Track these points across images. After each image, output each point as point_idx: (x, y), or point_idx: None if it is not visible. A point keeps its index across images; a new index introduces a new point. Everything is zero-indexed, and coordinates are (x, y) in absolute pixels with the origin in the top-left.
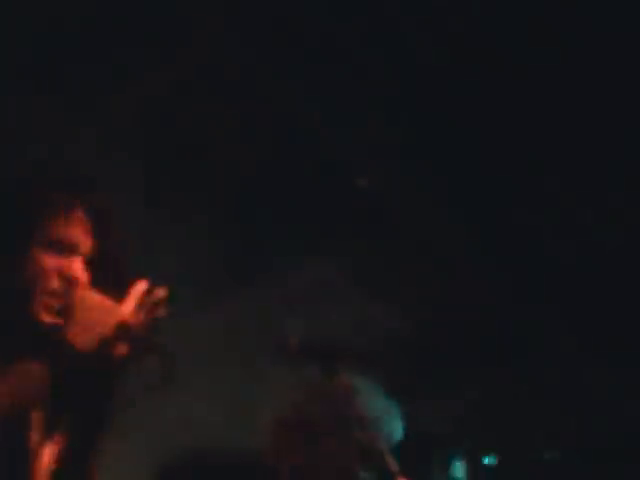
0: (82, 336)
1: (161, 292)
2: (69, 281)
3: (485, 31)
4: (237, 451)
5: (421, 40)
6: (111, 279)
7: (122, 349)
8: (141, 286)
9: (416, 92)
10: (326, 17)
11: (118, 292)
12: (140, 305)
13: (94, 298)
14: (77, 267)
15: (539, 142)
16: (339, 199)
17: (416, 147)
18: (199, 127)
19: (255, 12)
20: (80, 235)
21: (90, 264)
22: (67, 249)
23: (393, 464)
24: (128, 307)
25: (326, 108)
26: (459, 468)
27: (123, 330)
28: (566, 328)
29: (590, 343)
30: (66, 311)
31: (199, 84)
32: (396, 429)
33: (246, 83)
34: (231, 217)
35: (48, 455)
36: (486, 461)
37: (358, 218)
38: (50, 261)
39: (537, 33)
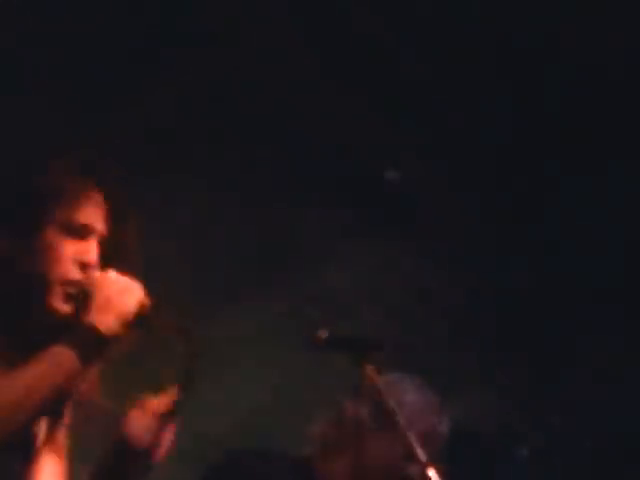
0: (105, 318)
1: None
2: (86, 267)
3: None
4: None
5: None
6: (123, 263)
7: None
8: None
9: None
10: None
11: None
12: None
13: (112, 279)
14: (93, 252)
15: None
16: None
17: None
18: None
19: None
20: (96, 219)
21: (104, 247)
22: (83, 233)
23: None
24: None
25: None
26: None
27: (145, 309)
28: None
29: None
30: (85, 297)
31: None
32: (438, 420)
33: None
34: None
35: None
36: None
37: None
38: (68, 247)
39: None
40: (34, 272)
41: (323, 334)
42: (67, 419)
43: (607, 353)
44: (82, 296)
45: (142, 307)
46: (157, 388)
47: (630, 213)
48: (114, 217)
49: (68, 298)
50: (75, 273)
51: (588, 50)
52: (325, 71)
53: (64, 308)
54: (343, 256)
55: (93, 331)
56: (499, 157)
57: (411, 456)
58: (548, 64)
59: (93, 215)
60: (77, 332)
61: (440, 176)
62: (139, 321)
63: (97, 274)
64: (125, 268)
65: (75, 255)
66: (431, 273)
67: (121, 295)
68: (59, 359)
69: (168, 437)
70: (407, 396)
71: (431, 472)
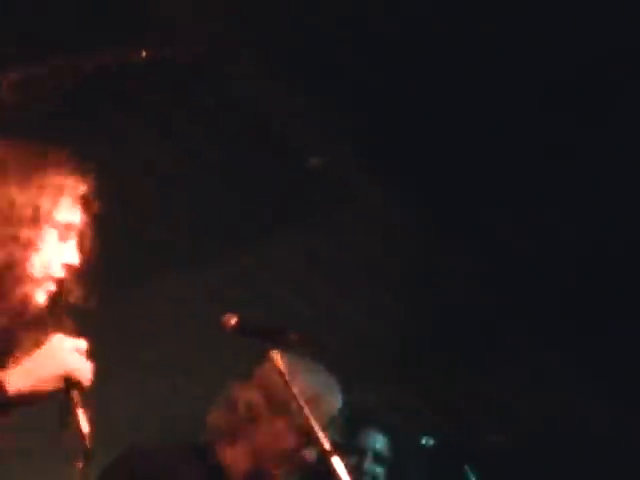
0: (22, 380)
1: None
2: (69, 269)
3: None
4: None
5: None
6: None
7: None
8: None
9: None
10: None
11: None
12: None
13: (53, 348)
14: (74, 253)
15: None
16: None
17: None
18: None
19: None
20: (76, 219)
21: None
22: (68, 236)
23: (327, 443)
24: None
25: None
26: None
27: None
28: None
29: (539, 326)
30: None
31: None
32: (336, 404)
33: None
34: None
35: None
36: (423, 442)
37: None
38: (55, 247)
39: None
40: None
41: (232, 319)
42: None
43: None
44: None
45: (70, 389)
46: None
47: None
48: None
49: (47, 294)
50: (59, 272)
51: None
52: None
53: (40, 299)
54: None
55: (1, 389)
56: None
57: (309, 440)
58: None
59: (76, 218)
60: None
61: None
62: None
63: (57, 336)
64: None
65: (61, 256)
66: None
67: (53, 370)
68: None
69: None
70: (305, 380)
71: (333, 456)
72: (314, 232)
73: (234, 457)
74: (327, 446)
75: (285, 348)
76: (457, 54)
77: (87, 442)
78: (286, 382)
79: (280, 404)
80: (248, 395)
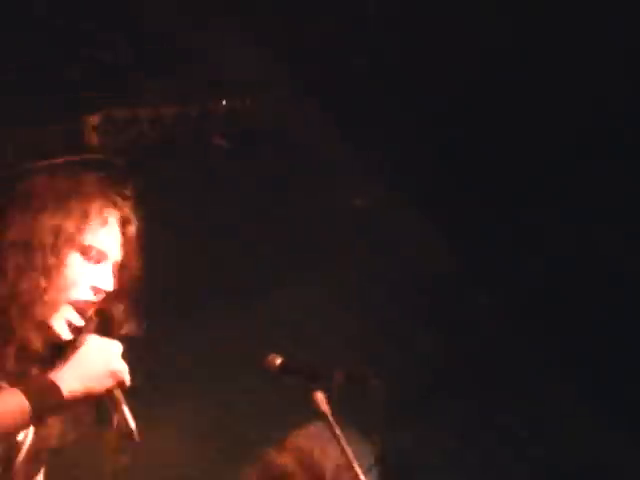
0: (74, 384)
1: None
2: (99, 292)
3: None
4: None
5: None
6: (125, 287)
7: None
8: None
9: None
10: None
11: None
12: None
13: (103, 348)
14: (107, 277)
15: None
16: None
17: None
18: None
19: None
20: (113, 246)
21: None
22: (100, 259)
23: None
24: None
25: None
26: None
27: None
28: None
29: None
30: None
31: None
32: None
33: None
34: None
35: None
36: None
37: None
38: (83, 270)
39: None
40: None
41: (277, 359)
42: None
43: None
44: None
45: (114, 388)
46: None
47: None
48: (130, 247)
49: (72, 327)
50: (88, 295)
51: None
52: None
53: (65, 334)
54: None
55: (55, 391)
56: None
57: None
58: None
59: (111, 241)
60: (39, 384)
61: None
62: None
63: (92, 337)
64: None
65: (91, 280)
66: None
67: (101, 371)
68: (10, 404)
69: None
70: (331, 448)
71: None
72: (345, 268)
73: None
74: None
75: (330, 388)
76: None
77: (136, 437)
78: (330, 424)
79: (315, 469)
80: (282, 461)
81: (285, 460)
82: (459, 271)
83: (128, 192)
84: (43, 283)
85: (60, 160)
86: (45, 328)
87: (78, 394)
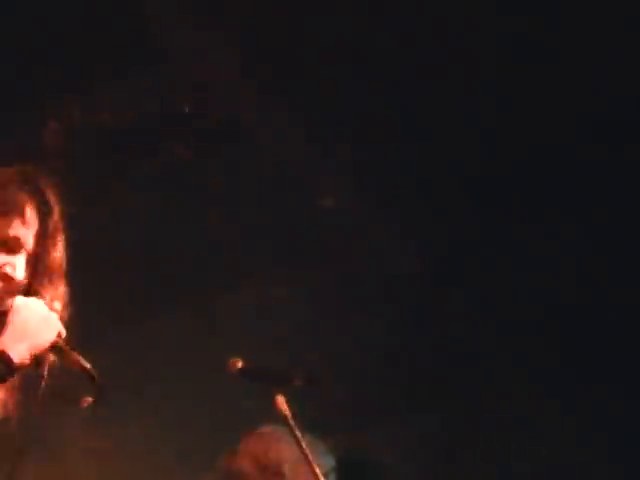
0: (19, 346)
1: None
2: (10, 282)
3: None
4: None
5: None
6: (46, 278)
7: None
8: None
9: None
10: None
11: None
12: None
13: (33, 307)
14: (19, 266)
15: None
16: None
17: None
18: None
19: None
20: (26, 234)
21: (32, 266)
22: (11, 248)
23: None
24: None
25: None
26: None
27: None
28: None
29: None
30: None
31: None
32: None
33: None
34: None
35: None
36: None
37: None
38: None
39: None
40: None
41: (237, 362)
42: None
43: None
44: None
45: (57, 340)
46: None
47: None
48: (45, 234)
49: None
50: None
51: None
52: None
53: None
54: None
55: (5, 357)
56: None
57: None
58: None
59: (24, 230)
60: None
61: None
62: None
63: (19, 299)
64: (49, 290)
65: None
66: None
67: (39, 325)
68: None
69: None
70: (285, 448)
71: None
72: (315, 269)
73: None
74: None
75: (289, 391)
76: None
77: (95, 376)
78: (290, 427)
79: (272, 469)
80: (238, 465)
81: (241, 463)
82: (428, 271)
83: (51, 182)
84: None
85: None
86: None
87: (26, 356)
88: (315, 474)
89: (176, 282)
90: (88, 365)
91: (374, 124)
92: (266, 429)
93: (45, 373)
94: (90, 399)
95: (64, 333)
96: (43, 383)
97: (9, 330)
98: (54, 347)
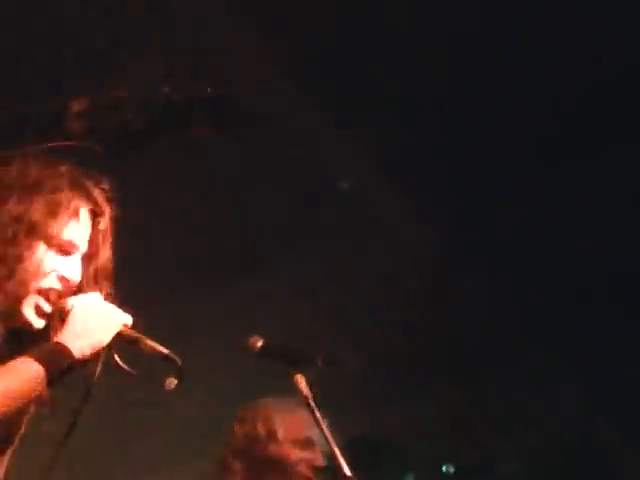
0: (80, 342)
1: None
2: (66, 284)
3: None
4: None
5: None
6: (94, 278)
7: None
8: None
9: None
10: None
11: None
12: None
13: (93, 303)
14: (75, 268)
15: None
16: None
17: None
18: None
19: None
20: (82, 237)
21: (86, 268)
22: (67, 250)
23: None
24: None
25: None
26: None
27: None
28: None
29: (555, 357)
30: (61, 316)
31: None
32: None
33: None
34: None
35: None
36: (444, 469)
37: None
38: (50, 260)
39: None
40: (12, 282)
41: (258, 342)
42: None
43: None
44: (58, 314)
45: (124, 330)
46: None
47: None
48: (100, 238)
49: (42, 314)
50: (54, 283)
51: None
52: None
53: (36, 322)
54: None
55: (65, 352)
56: None
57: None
58: None
59: (80, 233)
60: (49, 349)
61: None
62: (122, 344)
63: (78, 297)
64: (96, 290)
65: (57, 270)
66: None
67: (99, 322)
68: (26, 373)
69: None
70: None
71: None
72: (332, 247)
73: None
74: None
75: (310, 371)
76: None
77: (176, 359)
78: (309, 405)
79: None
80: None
81: (247, 427)
82: (445, 255)
83: (102, 183)
84: (3, 273)
85: (35, 147)
86: (10, 317)
87: (86, 351)
88: (336, 455)
89: (199, 263)
90: (165, 350)
91: (393, 108)
92: (262, 400)
93: (98, 369)
94: (174, 381)
95: (129, 322)
96: (95, 377)
97: (69, 327)
98: (125, 337)
